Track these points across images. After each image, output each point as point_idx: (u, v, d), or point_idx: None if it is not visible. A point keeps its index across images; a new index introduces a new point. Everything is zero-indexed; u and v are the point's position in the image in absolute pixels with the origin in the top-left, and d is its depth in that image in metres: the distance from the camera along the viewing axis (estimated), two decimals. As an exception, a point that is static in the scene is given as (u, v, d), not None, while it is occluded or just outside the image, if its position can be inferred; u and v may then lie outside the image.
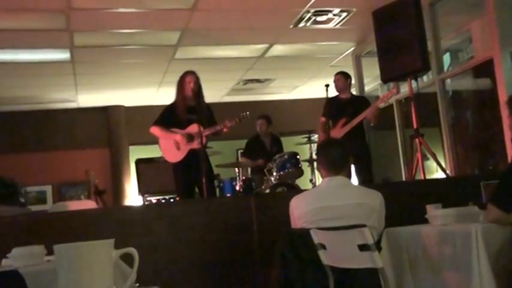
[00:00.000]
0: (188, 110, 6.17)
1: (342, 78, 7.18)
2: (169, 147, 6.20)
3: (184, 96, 6.21)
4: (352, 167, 6.68)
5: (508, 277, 2.98)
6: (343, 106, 7.02)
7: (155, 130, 6.29)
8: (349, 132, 6.75)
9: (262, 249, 4.55)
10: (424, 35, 6.59)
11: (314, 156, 7.40)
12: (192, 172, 6.03)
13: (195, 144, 6.02)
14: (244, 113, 6.28)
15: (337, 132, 6.82)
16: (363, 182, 6.59)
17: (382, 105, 7.17)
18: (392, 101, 8.85)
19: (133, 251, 1.45)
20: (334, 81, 7.21)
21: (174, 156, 6.17)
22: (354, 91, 9.78)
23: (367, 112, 6.73)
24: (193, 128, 6.06)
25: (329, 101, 7.27)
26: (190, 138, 6.07)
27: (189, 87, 6.15)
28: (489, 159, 7.88)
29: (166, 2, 7.09)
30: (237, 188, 7.19)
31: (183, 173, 6.15)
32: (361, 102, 7.15)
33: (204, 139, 5.96)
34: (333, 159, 3.68)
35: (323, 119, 7.19)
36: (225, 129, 6.16)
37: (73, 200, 10.55)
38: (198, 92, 6.16)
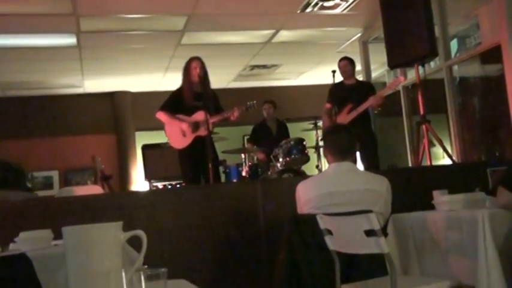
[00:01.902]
0: (194, 96, 6.16)
1: (349, 64, 7.14)
2: (175, 133, 6.20)
3: (190, 82, 6.20)
4: (358, 154, 6.73)
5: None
6: (348, 92, 6.99)
7: (161, 115, 6.28)
8: (355, 118, 6.73)
9: (269, 234, 4.56)
10: (431, 20, 6.55)
11: (320, 143, 7.39)
12: (197, 158, 6.04)
13: (201, 131, 6.03)
14: (252, 102, 6.28)
15: (343, 119, 6.80)
16: (368, 168, 6.59)
17: (388, 92, 7.15)
18: (399, 88, 8.82)
19: (141, 233, 1.45)
20: (340, 67, 7.15)
21: (180, 142, 6.17)
22: (360, 77, 9.77)
23: (373, 99, 6.69)
24: (200, 115, 6.06)
25: (334, 87, 7.25)
26: (196, 127, 6.08)
27: (195, 73, 6.14)
28: (496, 145, 7.86)
29: (173, -13, 7.08)
30: (243, 173, 7.19)
31: (189, 159, 6.16)
32: (367, 87, 7.12)
33: (210, 126, 5.96)
34: (339, 145, 3.68)
35: (328, 105, 7.17)
36: (232, 118, 6.17)
37: (79, 186, 10.58)
38: (204, 77, 6.14)
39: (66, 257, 1.37)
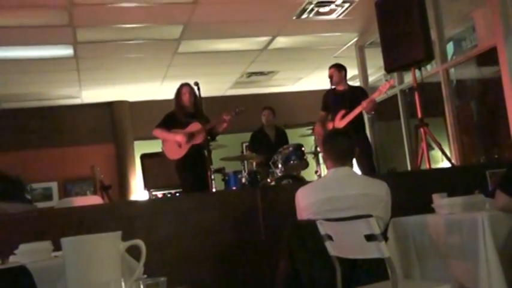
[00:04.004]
0: (187, 115, 6.51)
1: (336, 71, 7.09)
2: (171, 147, 6.50)
3: (182, 106, 6.57)
4: (354, 160, 6.72)
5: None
6: (340, 98, 6.96)
7: (157, 132, 6.60)
8: (350, 124, 6.70)
9: (269, 241, 4.55)
10: (427, 24, 6.57)
11: (319, 148, 7.39)
12: (194, 166, 6.20)
13: (196, 140, 6.31)
14: (240, 108, 6.62)
15: (337, 125, 6.78)
16: (365, 173, 6.57)
17: (380, 97, 7.14)
18: (396, 91, 8.84)
19: (140, 243, 1.45)
20: (329, 76, 7.13)
21: (176, 153, 6.44)
22: (357, 82, 9.78)
23: (365, 104, 6.66)
24: (194, 127, 6.38)
25: (326, 94, 7.24)
26: (190, 137, 6.29)
27: (186, 98, 6.54)
28: (494, 147, 7.87)
29: (168, -4, 7.09)
30: (243, 180, 7.19)
31: (186, 167, 6.34)
32: (359, 92, 7.09)
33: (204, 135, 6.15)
34: (339, 150, 3.67)
35: (323, 113, 7.17)
36: (224, 124, 6.49)
37: (79, 196, 10.57)
38: (195, 102, 6.49)
39: (66, 268, 1.37)
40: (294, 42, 9.47)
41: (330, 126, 6.86)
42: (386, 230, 3.66)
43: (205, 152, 6.13)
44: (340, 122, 6.75)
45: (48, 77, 10.00)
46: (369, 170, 6.63)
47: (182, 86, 6.67)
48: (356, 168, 6.50)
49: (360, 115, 6.83)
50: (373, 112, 6.86)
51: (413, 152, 8.21)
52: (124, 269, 1.43)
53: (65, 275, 1.38)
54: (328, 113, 7.12)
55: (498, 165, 4.59)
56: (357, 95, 6.94)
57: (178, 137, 6.36)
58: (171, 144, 6.46)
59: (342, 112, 6.79)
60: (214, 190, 6.03)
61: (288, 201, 3.91)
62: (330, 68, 7.14)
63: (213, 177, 6.05)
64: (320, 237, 3.17)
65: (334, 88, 7.10)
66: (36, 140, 11.56)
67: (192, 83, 6.44)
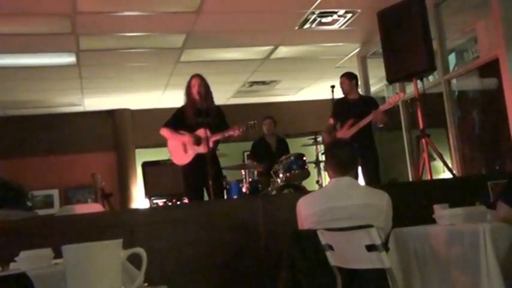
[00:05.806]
0: (197, 113, 6.18)
1: (347, 80, 7.10)
2: (177, 149, 6.24)
3: (191, 100, 6.24)
4: (359, 168, 6.72)
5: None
6: (350, 107, 6.96)
7: (164, 131, 6.31)
8: (357, 133, 6.70)
9: (270, 250, 4.55)
10: (429, 35, 6.58)
11: (320, 158, 7.39)
12: (200, 174, 6.05)
13: (202, 148, 6.04)
14: (252, 122, 6.30)
15: (344, 133, 6.78)
16: (369, 183, 6.56)
17: (387, 108, 7.15)
18: (398, 102, 8.83)
19: (141, 251, 1.45)
20: (340, 84, 7.14)
21: (181, 158, 6.20)
22: (360, 92, 9.78)
23: (374, 115, 6.67)
24: (202, 132, 6.09)
25: (337, 102, 7.23)
26: (198, 140, 6.08)
27: (195, 91, 6.18)
28: (496, 159, 7.86)
29: (172, 5, 7.10)
30: (244, 189, 7.18)
31: (192, 175, 6.17)
32: (369, 102, 7.08)
33: (211, 143, 5.97)
34: (341, 160, 3.67)
35: (331, 121, 7.15)
36: (233, 137, 6.23)
37: (80, 204, 10.55)
38: (205, 94, 6.17)
39: (66, 276, 1.37)
40: (296, 52, 9.49)
41: (338, 134, 6.87)
42: (387, 241, 3.65)
43: (210, 160, 5.96)
44: (348, 132, 6.75)
45: (51, 84, 10.02)
46: (373, 180, 6.62)
47: (192, 77, 6.30)
48: (360, 177, 6.52)
49: (368, 125, 6.81)
50: (382, 125, 6.82)
51: (414, 162, 8.22)
52: (124, 277, 1.43)
53: (65, 283, 1.38)
54: (337, 121, 7.11)
55: (500, 177, 4.59)
56: (367, 104, 6.93)
57: (186, 138, 6.13)
58: (177, 146, 6.23)
59: (351, 121, 6.78)
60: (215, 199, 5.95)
61: (289, 210, 3.91)
62: (341, 76, 7.15)
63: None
64: (321, 247, 3.16)
65: (345, 96, 7.11)
66: (37, 147, 11.57)
67: None
